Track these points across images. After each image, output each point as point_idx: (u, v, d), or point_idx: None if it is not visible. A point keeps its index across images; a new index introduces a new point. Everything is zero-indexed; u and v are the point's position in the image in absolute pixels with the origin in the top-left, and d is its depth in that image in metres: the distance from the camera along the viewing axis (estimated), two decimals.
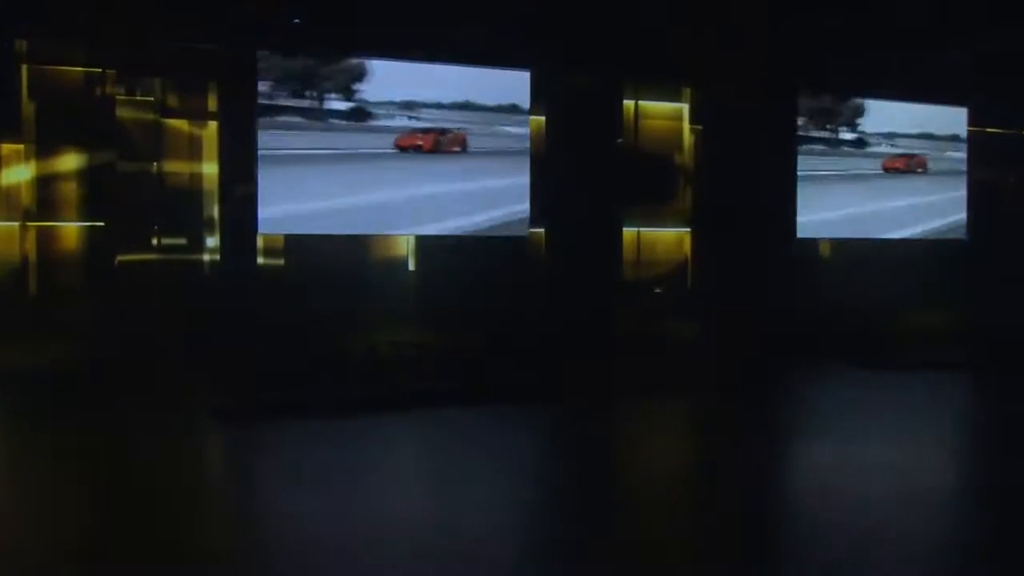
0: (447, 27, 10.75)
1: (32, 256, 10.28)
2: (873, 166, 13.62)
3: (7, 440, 7.53)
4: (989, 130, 14.26)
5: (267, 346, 9.38)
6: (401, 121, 11.14)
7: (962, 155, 14.08)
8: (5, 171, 10.14)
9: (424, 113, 11.22)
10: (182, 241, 10.69)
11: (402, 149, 11.22)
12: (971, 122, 14.08)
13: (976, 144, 14.11)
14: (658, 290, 12.64)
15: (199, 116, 10.74)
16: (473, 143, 11.51)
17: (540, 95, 11.66)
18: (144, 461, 6.74)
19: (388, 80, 11.06)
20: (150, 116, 10.61)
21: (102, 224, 10.35)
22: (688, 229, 12.81)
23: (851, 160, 13.45)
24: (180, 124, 10.73)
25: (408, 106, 11.19)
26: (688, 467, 7.12)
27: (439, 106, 11.30)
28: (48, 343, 9.66)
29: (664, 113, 12.81)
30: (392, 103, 11.12)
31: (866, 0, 11.51)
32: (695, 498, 6.18)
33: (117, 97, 10.42)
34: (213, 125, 10.69)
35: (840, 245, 13.42)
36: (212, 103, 10.74)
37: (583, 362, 9.88)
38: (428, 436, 7.75)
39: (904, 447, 7.26)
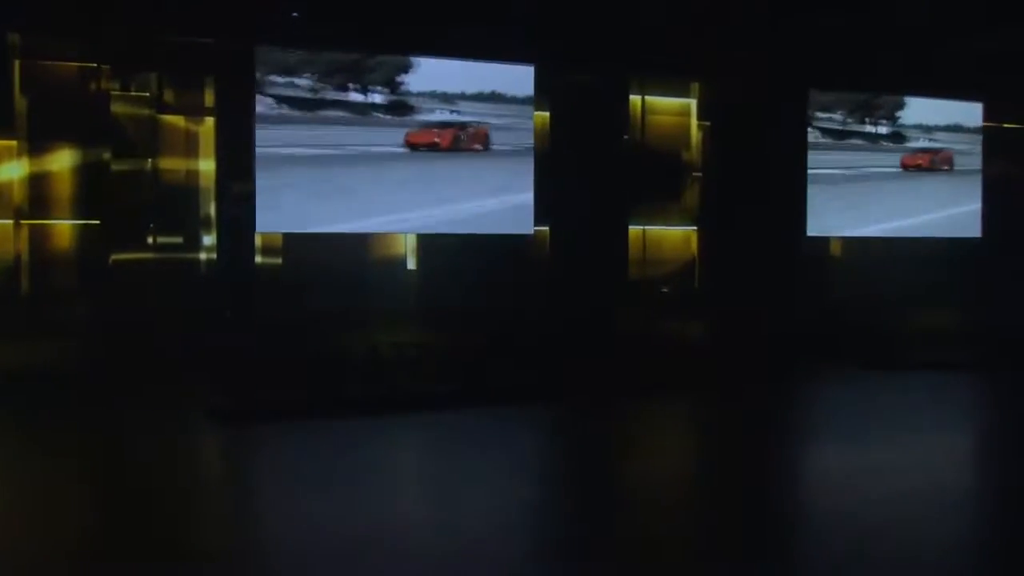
0: (451, 23, 10.55)
1: (25, 255, 10.13)
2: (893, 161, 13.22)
3: (1, 440, 7.46)
4: (1005, 125, 13.99)
5: (266, 346, 9.27)
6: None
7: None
8: None
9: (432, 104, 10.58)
10: (178, 239, 10.51)
11: (414, 147, 10.51)
12: (986, 118, 13.81)
13: (991, 139, 13.83)
14: (665, 289, 12.43)
15: (196, 112, 10.56)
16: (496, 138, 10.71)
17: (544, 91, 11.42)
18: (140, 461, 6.72)
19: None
20: (146, 112, 10.44)
21: (96, 222, 10.18)
22: (695, 227, 12.61)
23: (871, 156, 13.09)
24: (176, 120, 10.56)
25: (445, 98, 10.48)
26: (688, 467, 7.08)
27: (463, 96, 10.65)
28: (41, 343, 9.54)
29: (672, 109, 12.62)
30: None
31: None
32: (695, 498, 6.14)
33: (112, 92, 10.24)
34: (210, 121, 10.49)
35: (850, 243, 13.15)
36: (209, 99, 10.54)
37: (585, 362, 9.73)
38: (428, 436, 7.74)
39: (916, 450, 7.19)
